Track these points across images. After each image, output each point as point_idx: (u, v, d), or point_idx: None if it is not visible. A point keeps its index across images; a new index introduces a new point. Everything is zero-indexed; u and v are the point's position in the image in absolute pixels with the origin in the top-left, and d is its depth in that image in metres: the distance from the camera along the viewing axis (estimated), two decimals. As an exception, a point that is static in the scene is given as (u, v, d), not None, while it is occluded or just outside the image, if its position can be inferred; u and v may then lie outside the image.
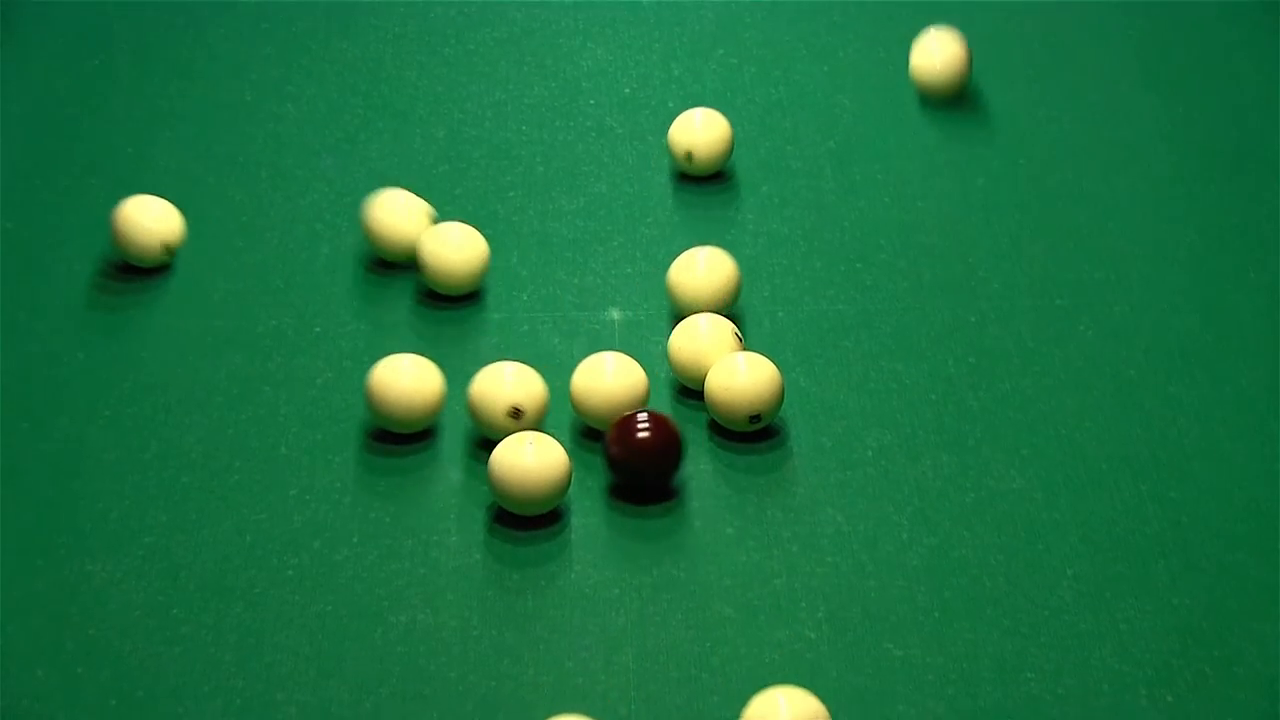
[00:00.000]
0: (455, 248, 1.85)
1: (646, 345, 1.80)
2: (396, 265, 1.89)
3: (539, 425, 1.69)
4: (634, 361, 1.72)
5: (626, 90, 2.17)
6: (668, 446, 1.64)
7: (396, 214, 1.88)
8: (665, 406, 1.74)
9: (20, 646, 1.52)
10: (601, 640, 1.53)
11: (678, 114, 2.05)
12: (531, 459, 1.60)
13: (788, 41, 2.25)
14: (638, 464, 1.64)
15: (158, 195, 1.93)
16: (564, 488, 1.62)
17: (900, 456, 1.69)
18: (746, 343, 1.77)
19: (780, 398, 1.70)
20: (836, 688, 1.48)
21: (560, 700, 1.48)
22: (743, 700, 1.47)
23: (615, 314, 1.85)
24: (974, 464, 1.68)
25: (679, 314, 1.79)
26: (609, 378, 1.70)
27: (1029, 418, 1.73)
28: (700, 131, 2.01)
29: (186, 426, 1.72)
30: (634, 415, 1.65)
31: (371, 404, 1.70)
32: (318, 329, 1.83)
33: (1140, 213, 1.98)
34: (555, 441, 1.63)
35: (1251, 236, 1.94)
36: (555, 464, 1.61)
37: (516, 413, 1.66)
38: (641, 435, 1.63)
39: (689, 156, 2.00)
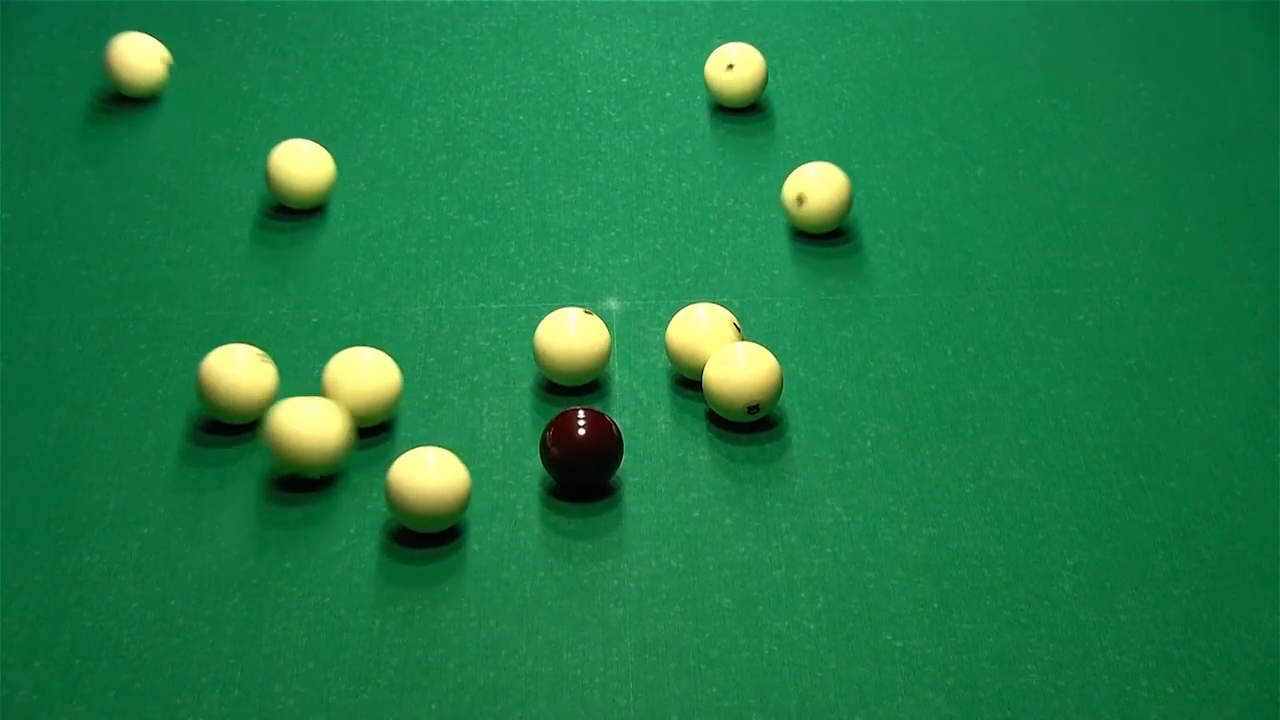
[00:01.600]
0: (303, 163, 1.93)
1: (645, 335, 1.80)
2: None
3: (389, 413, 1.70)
4: (596, 318, 1.73)
5: (624, 80, 2.17)
6: (606, 443, 1.63)
7: (136, 53, 2.09)
8: (663, 397, 1.74)
9: (18, 638, 1.51)
10: (600, 631, 1.52)
11: (676, 104, 2.05)
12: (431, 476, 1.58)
13: (785, 30, 2.25)
14: (577, 463, 1.62)
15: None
16: (462, 507, 1.60)
17: (899, 447, 1.69)
18: (745, 333, 1.76)
19: (779, 388, 1.70)
20: (835, 679, 1.48)
21: (559, 691, 1.48)
22: (743, 693, 1.47)
23: (613, 304, 1.85)
24: (973, 454, 1.68)
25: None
26: (572, 334, 1.70)
27: (1028, 407, 1.72)
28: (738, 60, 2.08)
29: (183, 418, 1.71)
30: (572, 413, 1.64)
31: (202, 395, 1.69)
32: (314, 320, 1.83)
33: (1139, 201, 1.98)
34: (455, 458, 1.60)
35: (1251, 225, 1.94)
36: (455, 484, 1.59)
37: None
38: (580, 433, 1.62)
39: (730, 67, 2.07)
